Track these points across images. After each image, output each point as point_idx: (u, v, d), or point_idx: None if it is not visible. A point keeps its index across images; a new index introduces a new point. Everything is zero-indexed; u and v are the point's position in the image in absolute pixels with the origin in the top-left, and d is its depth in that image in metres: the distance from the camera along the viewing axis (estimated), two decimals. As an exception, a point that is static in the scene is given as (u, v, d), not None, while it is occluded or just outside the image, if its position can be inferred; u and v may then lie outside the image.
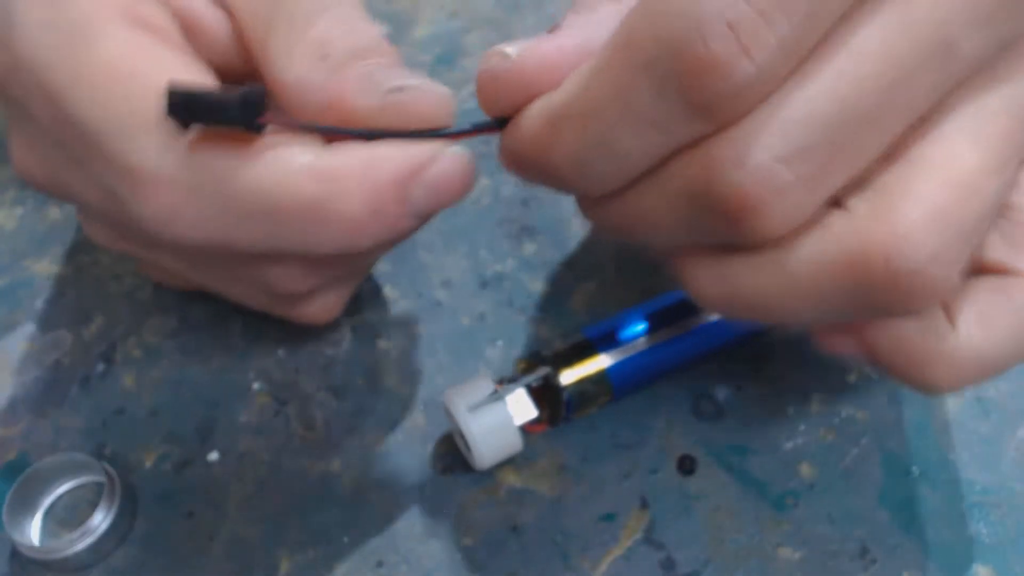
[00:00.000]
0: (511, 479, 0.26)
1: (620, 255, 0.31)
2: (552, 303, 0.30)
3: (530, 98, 0.19)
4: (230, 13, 0.23)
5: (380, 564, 0.25)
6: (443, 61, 0.36)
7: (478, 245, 0.31)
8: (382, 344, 0.29)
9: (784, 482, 0.26)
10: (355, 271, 0.26)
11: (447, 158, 0.20)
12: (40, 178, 0.23)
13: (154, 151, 0.19)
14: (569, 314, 0.30)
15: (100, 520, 0.24)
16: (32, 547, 0.24)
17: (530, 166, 0.19)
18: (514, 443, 0.25)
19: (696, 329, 0.26)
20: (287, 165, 0.20)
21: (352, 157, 0.20)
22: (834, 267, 0.17)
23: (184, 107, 0.18)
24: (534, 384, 0.25)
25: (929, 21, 0.16)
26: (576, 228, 0.32)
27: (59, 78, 0.20)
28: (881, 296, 0.17)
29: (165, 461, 0.27)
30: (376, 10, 0.38)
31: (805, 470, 0.26)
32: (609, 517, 0.25)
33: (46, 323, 0.30)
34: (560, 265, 0.31)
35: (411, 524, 0.25)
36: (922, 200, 0.17)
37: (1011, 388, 0.28)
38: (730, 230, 0.17)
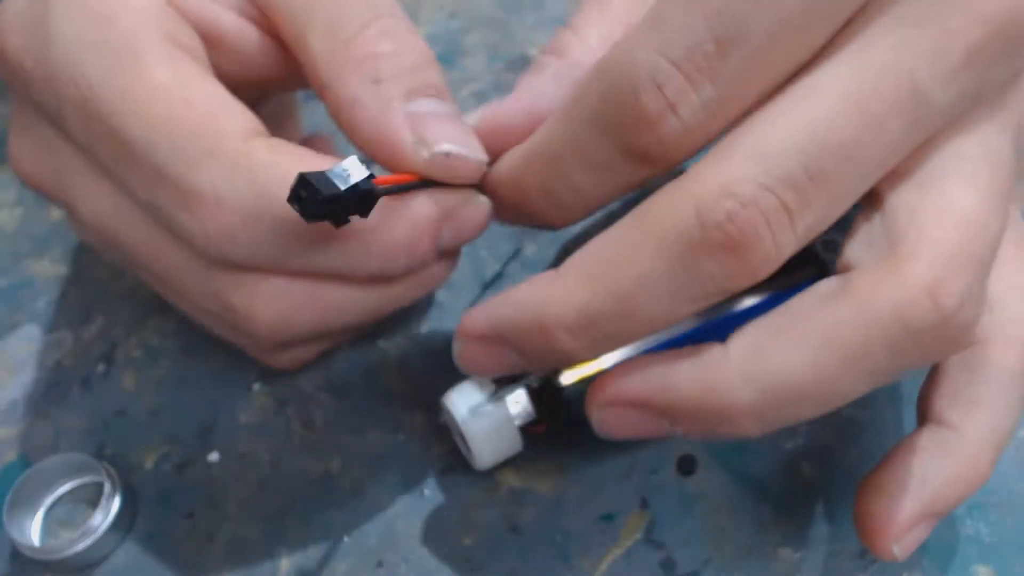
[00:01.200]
0: (511, 479, 0.26)
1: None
2: (552, 303, 0.30)
3: (491, 158, 0.22)
4: (264, 17, 0.23)
5: (380, 564, 0.25)
6: (443, 61, 0.36)
7: (478, 245, 0.31)
8: (382, 344, 0.29)
9: (784, 482, 0.26)
10: (335, 332, 0.26)
11: (475, 205, 0.23)
12: (40, 177, 0.24)
13: (217, 177, 0.20)
14: (569, 314, 0.30)
15: (100, 520, 0.25)
16: (32, 547, 0.24)
17: (506, 199, 0.22)
18: (514, 444, 0.25)
19: (697, 329, 0.26)
20: None
21: (404, 197, 0.21)
22: (880, 324, 0.18)
23: (308, 200, 0.19)
24: (534, 384, 0.25)
25: (892, 71, 0.18)
26: (576, 229, 0.32)
27: (108, 97, 0.21)
28: (931, 343, 0.18)
29: (165, 461, 0.27)
30: (376, 10, 0.38)
31: (805, 470, 0.26)
32: (609, 517, 0.25)
33: (46, 324, 0.30)
34: (560, 265, 0.31)
35: (411, 524, 0.25)
36: (942, 242, 0.18)
37: (1011, 388, 0.28)
38: (723, 266, 0.18)
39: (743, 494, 0.26)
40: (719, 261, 0.18)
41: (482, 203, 0.23)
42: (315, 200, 0.19)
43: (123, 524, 0.25)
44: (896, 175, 0.19)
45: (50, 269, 0.32)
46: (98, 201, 0.23)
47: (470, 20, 0.37)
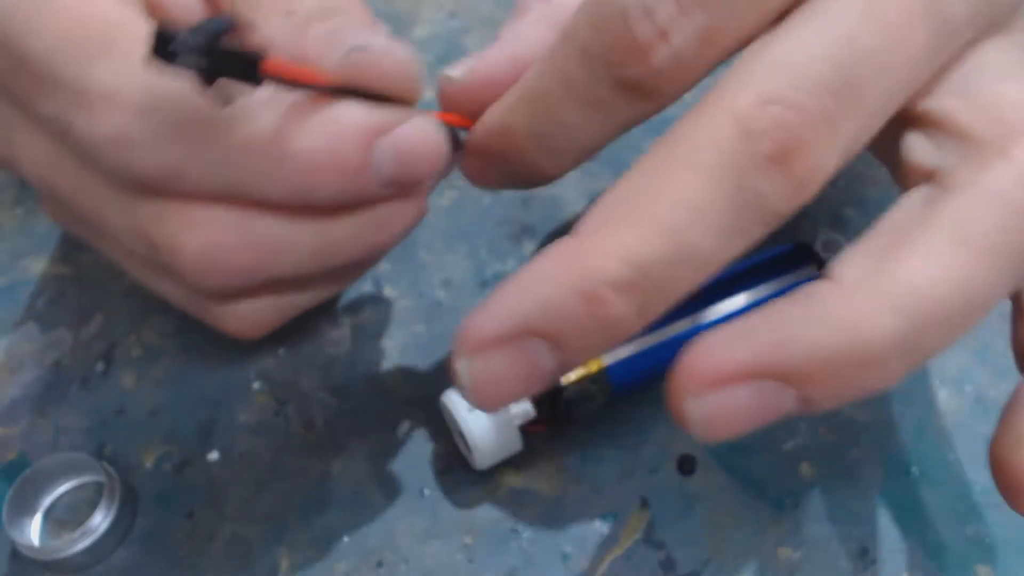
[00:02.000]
0: (511, 479, 0.26)
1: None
2: (552, 303, 0.30)
3: (480, 110, 0.21)
4: None
5: (380, 564, 0.25)
6: (443, 61, 0.36)
7: (478, 245, 0.31)
8: (382, 344, 0.29)
9: (784, 482, 0.26)
10: (295, 283, 0.24)
11: (413, 124, 0.20)
12: None
13: (110, 72, 0.20)
14: (569, 314, 0.30)
15: (100, 520, 0.24)
16: (32, 547, 0.24)
17: (494, 151, 0.21)
18: (513, 443, 0.25)
19: (696, 328, 0.26)
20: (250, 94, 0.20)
21: (319, 104, 0.20)
22: (1009, 202, 0.17)
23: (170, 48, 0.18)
24: None
25: None
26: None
27: (18, 26, 0.20)
28: None
29: (165, 461, 0.27)
30: (376, 10, 0.38)
31: (805, 470, 0.26)
32: (609, 517, 0.25)
33: (46, 323, 0.30)
34: (560, 265, 0.31)
35: (411, 524, 0.25)
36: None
37: (1011, 388, 0.28)
38: (774, 182, 0.16)
39: (743, 494, 0.26)
40: (769, 176, 0.16)
41: (429, 124, 0.21)
42: (180, 47, 0.17)
43: (123, 524, 0.25)
44: (930, 90, 0.18)
45: (49, 268, 0.32)
46: (33, 150, 0.22)
47: (470, 20, 0.37)
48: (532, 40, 0.21)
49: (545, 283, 0.16)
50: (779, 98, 0.16)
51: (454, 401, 0.24)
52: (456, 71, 0.22)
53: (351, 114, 0.20)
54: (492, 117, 0.21)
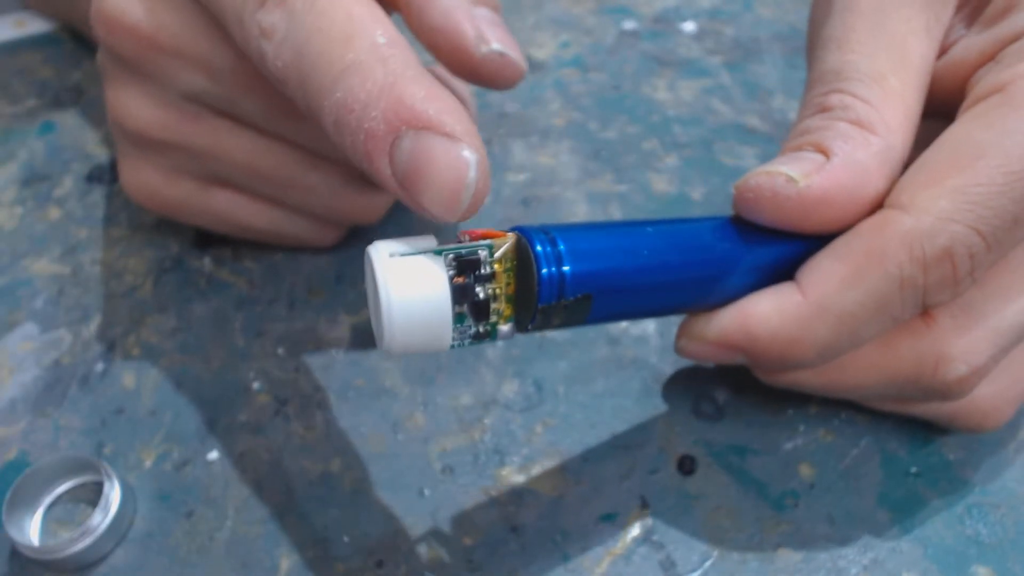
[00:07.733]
0: (511, 479, 0.26)
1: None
2: (552, 303, 0.30)
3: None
4: None
5: (380, 564, 0.25)
6: (443, 61, 0.36)
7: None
8: (382, 344, 0.29)
9: (784, 482, 0.26)
10: None
11: (453, 151, 0.19)
12: (153, 127, 0.27)
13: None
14: (569, 314, 0.30)
15: (100, 520, 0.24)
16: (32, 547, 0.24)
17: (759, 354, 0.23)
18: (441, 324, 0.19)
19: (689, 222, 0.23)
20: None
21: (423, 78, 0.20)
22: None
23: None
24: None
25: None
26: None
27: None
28: None
29: (165, 461, 0.27)
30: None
31: (805, 470, 0.26)
32: (609, 517, 0.25)
33: (46, 322, 0.30)
34: (560, 265, 0.30)
35: (411, 524, 0.25)
36: None
37: (1011, 388, 0.28)
38: (933, 396, 0.23)
39: (743, 494, 0.26)
40: (928, 396, 0.23)
41: (469, 160, 0.20)
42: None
43: (122, 524, 0.25)
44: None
45: (49, 268, 0.32)
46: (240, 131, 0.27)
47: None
48: (874, 178, 0.22)
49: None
50: (973, 363, 0.22)
51: (379, 249, 0.19)
52: (794, 171, 0.22)
53: (418, 104, 0.19)
54: (775, 327, 0.22)
